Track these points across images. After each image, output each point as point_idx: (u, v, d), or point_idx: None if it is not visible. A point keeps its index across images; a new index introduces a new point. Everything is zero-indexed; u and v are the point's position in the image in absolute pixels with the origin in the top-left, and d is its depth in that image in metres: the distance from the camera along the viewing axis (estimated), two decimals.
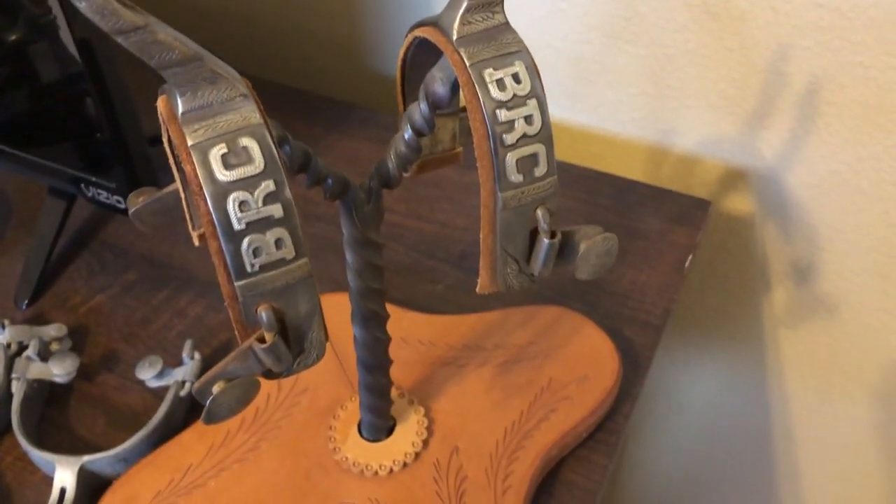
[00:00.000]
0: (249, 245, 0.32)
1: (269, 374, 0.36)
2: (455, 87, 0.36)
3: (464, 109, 0.44)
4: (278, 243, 0.32)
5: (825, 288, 0.81)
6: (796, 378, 0.90)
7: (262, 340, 0.34)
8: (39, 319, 0.63)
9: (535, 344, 0.57)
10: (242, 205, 0.31)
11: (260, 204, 0.32)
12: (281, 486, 0.50)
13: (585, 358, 0.56)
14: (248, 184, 0.31)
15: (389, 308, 0.59)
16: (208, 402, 0.33)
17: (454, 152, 0.46)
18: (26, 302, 0.64)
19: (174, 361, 0.58)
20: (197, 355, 0.57)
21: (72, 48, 0.55)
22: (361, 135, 0.76)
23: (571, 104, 0.81)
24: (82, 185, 0.61)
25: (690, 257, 0.66)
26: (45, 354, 0.57)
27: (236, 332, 0.35)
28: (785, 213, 0.78)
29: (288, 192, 0.32)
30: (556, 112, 0.82)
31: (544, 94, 0.35)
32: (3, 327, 0.59)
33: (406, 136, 0.38)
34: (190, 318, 0.63)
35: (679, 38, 0.72)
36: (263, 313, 0.34)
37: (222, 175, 0.31)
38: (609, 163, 0.81)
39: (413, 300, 0.62)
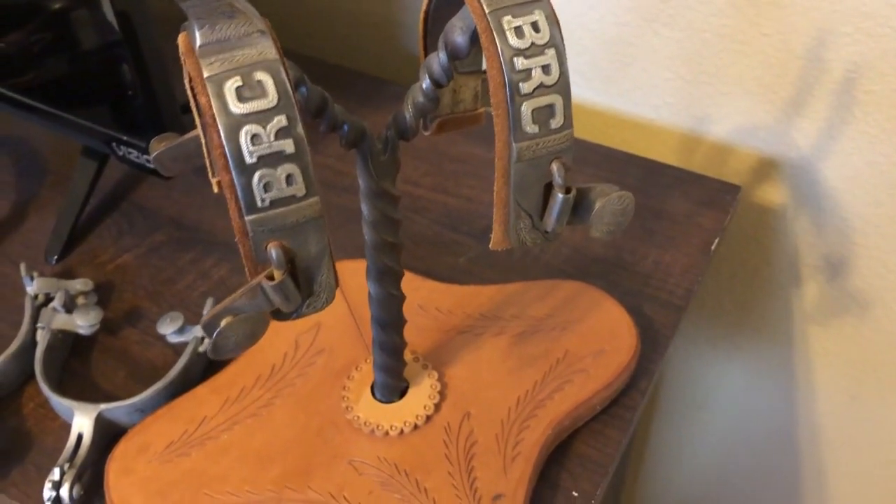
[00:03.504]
0: (260, 179, 0.32)
1: (278, 315, 0.36)
2: (474, 37, 0.36)
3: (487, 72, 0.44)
4: (289, 179, 0.33)
5: (857, 284, 0.80)
6: (825, 376, 0.88)
7: (271, 278, 0.34)
8: (67, 274, 0.64)
9: (552, 317, 0.57)
10: (254, 138, 0.32)
11: (272, 138, 0.32)
12: (292, 441, 0.50)
13: (603, 332, 0.55)
14: (261, 117, 0.32)
15: (409, 276, 0.60)
16: (215, 334, 0.34)
17: (476, 113, 0.45)
18: (56, 257, 0.65)
19: (195, 319, 0.59)
20: None
21: (111, 18, 0.57)
22: (395, 109, 0.76)
23: (606, 87, 0.80)
24: (114, 145, 0.62)
25: (717, 240, 0.65)
26: (70, 307, 0.58)
27: (246, 270, 0.35)
28: (818, 206, 0.76)
29: (300, 129, 0.32)
30: (589, 95, 0.81)
31: (563, 45, 0.35)
32: (32, 279, 0.60)
33: (424, 86, 0.38)
34: (213, 280, 0.63)
35: (715, 23, 0.71)
36: (273, 251, 0.34)
37: (236, 107, 0.31)
38: (641, 148, 0.81)
39: (434, 271, 0.62)
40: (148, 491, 0.48)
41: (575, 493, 0.50)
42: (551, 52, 0.35)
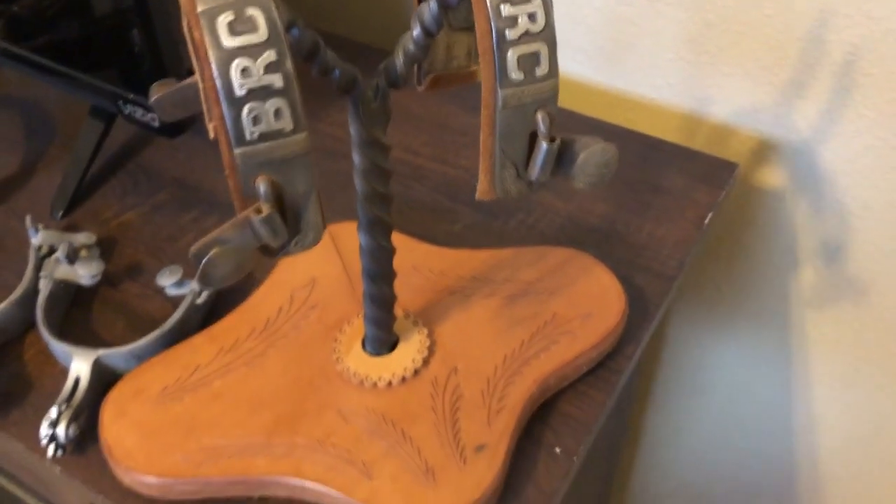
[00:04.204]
0: (249, 112, 0.33)
1: (266, 251, 0.38)
2: None
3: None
4: (277, 113, 0.34)
5: (854, 269, 0.80)
6: (821, 362, 0.89)
7: (259, 212, 0.35)
8: (72, 229, 0.66)
9: (543, 281, 0.58)
10: (244, 71, 0.33)
11: (261, 72, 0.33)
12: (283, 389, 0.51)
13: (592, 297, 0.56)
14: (252, 52, 0.33)
15: (405, 238, 0.61)
16: (203, 262, 0.35)
17: (470, 70, 0.46)
18: (61, 213, 0.67)
19: (194, 275, 0.60)
20: None
21: None
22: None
23: (609, 67, 0.81)
24: (120, 103, 0.64)
25: (711, 215, 0.66)
26: (73, 258, 0.60)
27: (234, 204, 0.36)
28: (817, 189, 0.77)
29: (290, 65, 0.34)
30: (592, 74, 0.82)
31: None
32: (37, 231, 0.61)
33: (415, 35, 0.39)
34: None
35: (718, 3, 0.72)
36: (261, 185, 0.35)
37: (227, 41, 0.33)
38: (642, 128, 0.81)
39: (430, 236, 0.63)
40: (141, 432, 0.50)
41: (557, 450, 0.51)
42: (538, 0, 0.36)
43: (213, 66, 0.33)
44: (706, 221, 0.65)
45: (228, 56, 0.33)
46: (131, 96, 0.63)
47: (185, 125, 0.63)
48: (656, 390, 1.07)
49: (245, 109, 0.33)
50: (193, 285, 0.58)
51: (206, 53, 0.33)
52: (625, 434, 1.08)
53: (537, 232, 0.65)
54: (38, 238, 0.61)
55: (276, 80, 0.33)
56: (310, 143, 0.35)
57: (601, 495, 1.00)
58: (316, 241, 0.38)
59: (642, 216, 0.66)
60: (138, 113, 0.63)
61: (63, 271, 0.59)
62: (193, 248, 0.35)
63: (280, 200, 0.36)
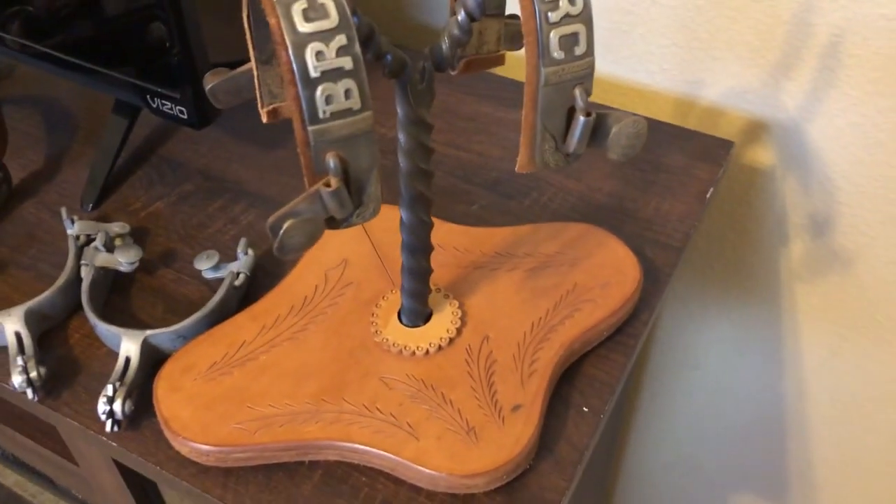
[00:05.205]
0: (323, 92, 0.37)
1: (331, 223, 0.41)
2: None
3: (510, 16, 0.48)
4: (347, 93, 0.37)
5: (841, 241, 0.85)
6: (810, 332, 0.93)
7: (328, 186, 0.38)
8: (103, 220, 0.68)
9: (562, 254, 0.61)
10: (318, 55, 0.36)
11: (333, 55, 0.36)
12: (326, 361, 0.54)
13: (609, 267, 0.60)
14: (324, 36, 0.36)
15: None
16: (280, 233, 0.38)
17: (499, 54, 0.50)
18: (91, 205, 0.69)
19: (228, 259, 0.63)
20: (250, 251, 0.62)
21: None
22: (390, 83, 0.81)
23: (604, 54, 0.85)
24: (148, 97, 0.66)
25: (712, 190, 0.70)
26: (110, 246, 0.62)
27: (305, 180, 0.39)
28: (805, 166, 0.81)
29: (357, 48, 0.37)
30: None
31: None
32: (73, 222, 0.64)
33: (460, 19, 0.42)
34: (242, 225, 0.67)
35: None
36: (331, 160, 0.38)
37: (302, 27, 0.36)
38: (638, 112, 0.85)
39: (450, 217, 0.66)
40: (195, 405, 0.52)
41: (585, 409, 0.55)
42: None
43: (290, 51, 0.36)
44: (708, 196, 0.69)
45: (304, 41, 0.36)
46: (160, 90, 0.65)
47: (212, 117, 0.65)
48: (651, 367, 1.11)
49: (319, 90, 0.36)
50: (231, 268, 0.60)
51: (282, 38, 0.36)
52: (621, 410, 1.12)
53: (550, 210, 0.68)
54: (74, 229, 0.63)
55: (347, 63, 0.36)
56: (373, 121, 0.38)
57: (604, 467, 1.04)
58: (375, 212, 0.41)
59: (647, 192, 0.70)
60: (167, 106, 0.65)
61: (103, 259, 0.61)
62: (270, 220, 0.38)
63: (346, 175, 0.39)
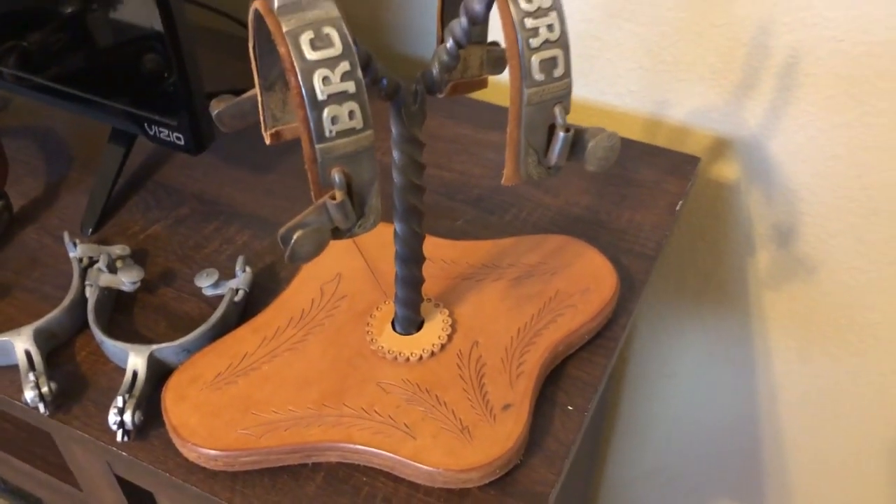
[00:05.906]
0: (329, 114, 0.40)
1: (336, 233, 0.44)
2: (489, 4, 0.45)
3: (492, 44, 0.52)
4: (351, 114, 0.41)
5: (805, 250, 0.89)
6: (779, 339, 0.98)
7: (333, 199, 0.42)
8: (104, 243, 0.71)
9: (543, 263, 0.65)
10: (325, 80, 0.40)
11: (338, 80, 0.40)
12: (326, 369, 0.58)
13: (588, 275, 0.64)
14: (330, 63, 0.40)
15: None
16: (292, 242, 0.41)
17: (481, 79, 0.54)
18: (91, 229, 0.72)
19: (227, 277, 0.66)
20: (248, 269, 0.65)
21: (152, 8, 0.63)
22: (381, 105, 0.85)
23: (576, 78, 0.89)
24: (146, 125, 0.69)
25: (681, 202, 0.74)
26: (112, 268, 0.65)
27: (312, 193, 0.43)
28: (768, 179, 0.86)
29: (359, 73, 0.41)
30: None
31: (563, 7, 0.44)
32: (75, 245, 0.66)
33: (448, 46, 0.46)
34: (238, 244, 0.71)
35: (672, 16, 0.80)
36: (336, 175, 0.42)
37: (310, 55, 0.40)
38: None
39: (437, 232, 0.70)
40: (202, 413, 0.55)
41: (570, 407, 0.58)
42: (554, 14, 0.44)
43: (300, 77, 0.39)
44: (678, 208, 0.74)
45: (312, 67, 0.39)
46: (157, 118, 0.68)
47: (207, 143, 0.69)
48: (629, 377, 1.15)
49: (325, 111, 0.40)
50: (230, 285, 0.64)
51: (292, 65, 0.40)
52: (603, 414, 1.15)
53: (531, 224, 0.72)
54: (77, 251, 0.66)
55: (350, 87, 0.40)
56: (374, 139, 0.42)
57: (588, 472, 1.08)
58: (376, 223, 0.45)
59: (621, 206, 0.74)
60: (164, 133, 0.69)
61: (106, 279, 0.64)
62: (281, 231, 0.42)
63: (349, 188, 0.43)
